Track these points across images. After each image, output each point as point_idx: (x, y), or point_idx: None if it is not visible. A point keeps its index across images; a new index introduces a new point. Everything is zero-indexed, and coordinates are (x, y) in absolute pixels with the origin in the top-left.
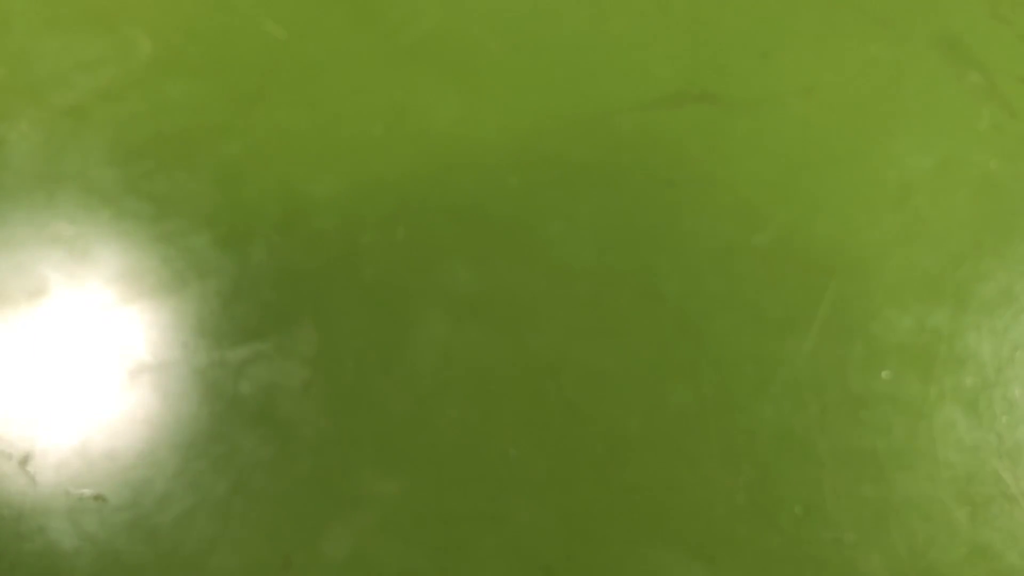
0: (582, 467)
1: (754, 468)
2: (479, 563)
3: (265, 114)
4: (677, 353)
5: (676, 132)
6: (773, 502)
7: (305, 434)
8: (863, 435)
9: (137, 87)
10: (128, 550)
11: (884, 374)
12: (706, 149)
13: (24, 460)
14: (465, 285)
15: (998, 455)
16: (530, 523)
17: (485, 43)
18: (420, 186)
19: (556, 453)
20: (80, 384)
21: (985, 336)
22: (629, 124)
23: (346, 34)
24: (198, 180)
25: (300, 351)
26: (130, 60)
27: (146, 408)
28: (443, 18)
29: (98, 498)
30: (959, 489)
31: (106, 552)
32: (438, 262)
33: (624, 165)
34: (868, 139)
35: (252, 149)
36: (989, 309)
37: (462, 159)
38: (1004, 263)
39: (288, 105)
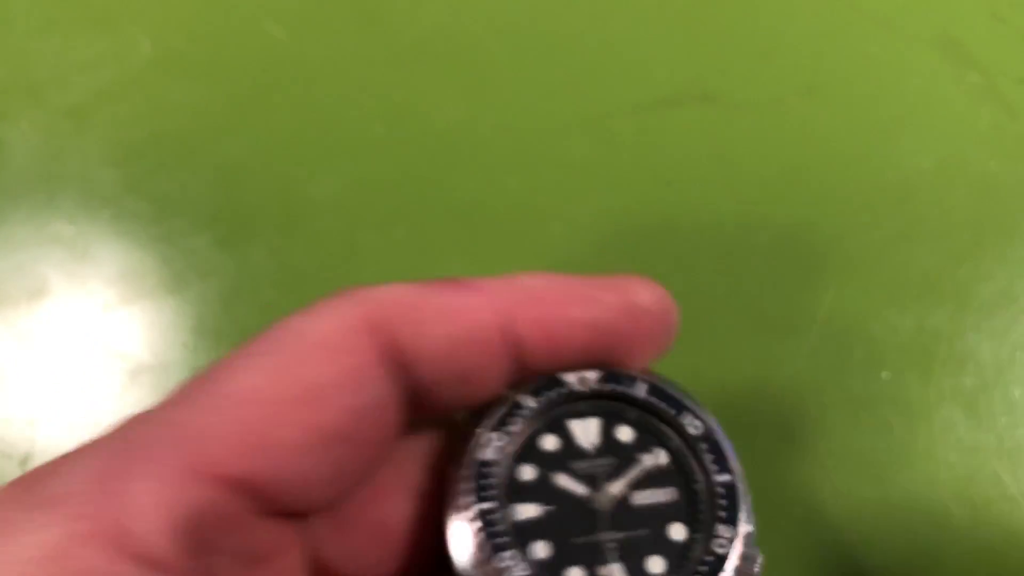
0: None
1: (754, 468)
2: None
3: (265, 114)
4: (677, 353)
5: (676, 132)
6: (773, 502)
7: None
8: (863, 435)
9: (137, 87)
10: None
11: (884, 375)
12: (706, 149)
13: (24, 460)
14: None
15: (998, 456)
16: None
17: (485, 43)
18: (420, 186)
19: None
20: (80, 384)
21: (985, 336)
22: (629, 124)
23: (346, 34)
24: (198, 180)
25: None
26: (130, 60)
27: (146, 408)
28: (443, 18)
29: None
30: (959, 490)
31: None
32: (438, 262)
33: (624, 165)
34: (868, 139)
35: (252, 149)
36: (989, 309)
37: (462, 159)
38: (1004, 263)
39: (288, 105)
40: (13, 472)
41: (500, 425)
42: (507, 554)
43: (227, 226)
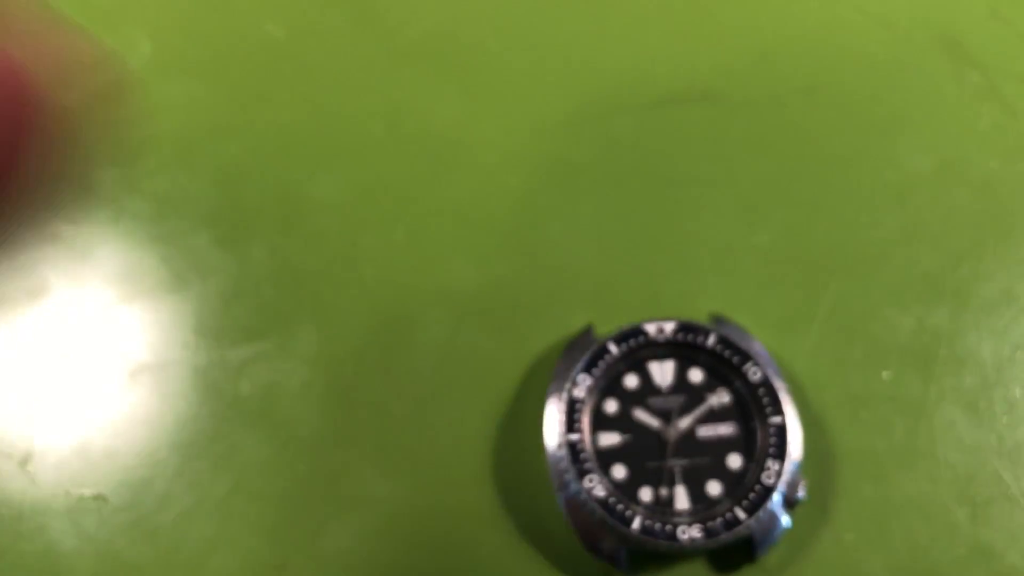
0: None
1: None
2: (480, 563)
3: (265, 114)
4: None
5: (676, 132)
6: None
7: (304, 434)
8: (863, 435)
9: (137, 87)
10: (128, 550)
11: (884, 374)
12: (706, 149)
13: (24, 460)
14: (465, 285)
15: (998, 455)
16: (534, 524)
17: (485, 43)
18: (420, 186)
19: None
20: (80, 384)
21: (985, 336)
22: (629, 124)
23: (346, 34)
24: (198, 180)
25: (300, 351)
26: (130, 60)
27: (146, 408)
28: (443, 18)
29: (98, 498)
30: (959, 489)
31: (106, 552)
32: (438, 262)
33: (624, 165)
34: (868, 139)
35: (252, 149)
36: (989, 309)
37: (462, 159)
38: (1004, 263)
39: (288, 105)
40: (13, 472)
41: (589, 367)
42: (589, 476)
43: (227, 226)
